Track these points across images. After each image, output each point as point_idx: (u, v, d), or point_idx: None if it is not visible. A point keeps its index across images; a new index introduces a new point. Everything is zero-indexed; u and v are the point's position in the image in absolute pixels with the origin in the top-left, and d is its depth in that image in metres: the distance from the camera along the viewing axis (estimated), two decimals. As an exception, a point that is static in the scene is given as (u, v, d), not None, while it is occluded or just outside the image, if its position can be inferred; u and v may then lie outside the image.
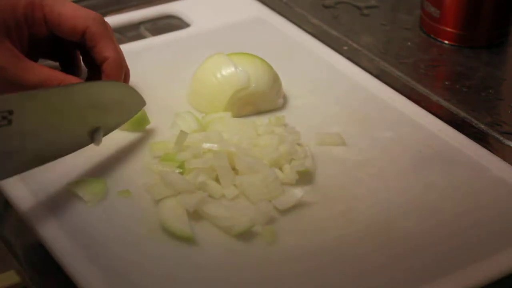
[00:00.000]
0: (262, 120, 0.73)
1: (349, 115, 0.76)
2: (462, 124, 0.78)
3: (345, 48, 0.89)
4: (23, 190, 0.66)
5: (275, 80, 0.76)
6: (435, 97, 0.82)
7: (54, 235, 0.62)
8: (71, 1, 0.72)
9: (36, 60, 0.73)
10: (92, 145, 0.68)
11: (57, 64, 0.77)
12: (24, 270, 0.64)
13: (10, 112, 0.60)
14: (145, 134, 0.73)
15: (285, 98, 0.77)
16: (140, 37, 0.90)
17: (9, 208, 0.67)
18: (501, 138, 0.76)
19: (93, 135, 0.67)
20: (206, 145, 0.68)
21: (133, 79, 0.77)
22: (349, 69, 0.82)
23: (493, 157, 0.71)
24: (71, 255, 0.60)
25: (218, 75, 0.74)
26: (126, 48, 0.77)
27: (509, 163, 0.70)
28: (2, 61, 0.66)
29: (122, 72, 0.72)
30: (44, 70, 0.68)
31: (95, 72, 0.73)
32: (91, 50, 0.71)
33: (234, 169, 0.67)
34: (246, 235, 0.62)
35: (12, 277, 0.69)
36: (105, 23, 0.72)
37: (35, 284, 0.63)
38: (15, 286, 0.69)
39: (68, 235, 0.62)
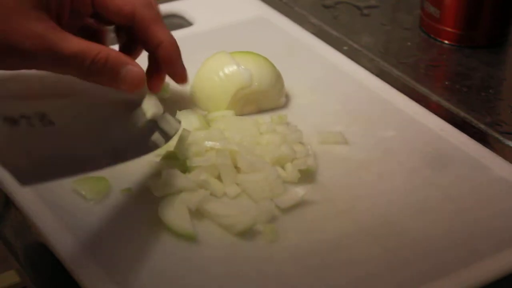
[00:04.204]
0: (265, 119, 0.73)
1: (352, 114, 0.76)
2: (462, 124, 0.78)
3: (345, 48, 0.89)
4: (25, 188, 0.66)
5: (278, 78, 0.76)
6: (435, 97, 0.82)
7: (56, 233, 0.62)
8: None
9: None
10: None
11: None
12: (24, 270, 0.64)
13: (43, 115, 0.60)
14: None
15: (287, 97, 0.77)
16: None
17: (9, 208, 0.67)
18: (501, 138, 0.77)
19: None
20: (209, 143, 0.67)
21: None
22: (352, 68, 0.83)
23: (494, 157, 0.71)
24: (73, 253, 0.60)
25: (221, 74, 0.74)
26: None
27: (509, 162, 0.70)
28: (40, 29, 0.63)
29: (179, 55, 0.69)
30: (82, 40, 0.65)
31: (127, 48, 0.72)
32: (141, 35, 0.68)
33: (236, 167, 0.67)
34: (247, 234, 0.62)
35: (12, 277, 0.69)
36: (154, 6, 0.69)
37: (35, 284, 0.63)
38: (15, 286, 0.69)
39: (70, 233, 0.62)
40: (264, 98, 0.75)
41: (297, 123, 0.73)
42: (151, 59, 0.70)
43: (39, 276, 0.63)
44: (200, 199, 0.64)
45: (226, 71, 0.74)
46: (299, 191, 0.65)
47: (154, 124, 0.66)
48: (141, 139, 0.65)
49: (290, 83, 0.78)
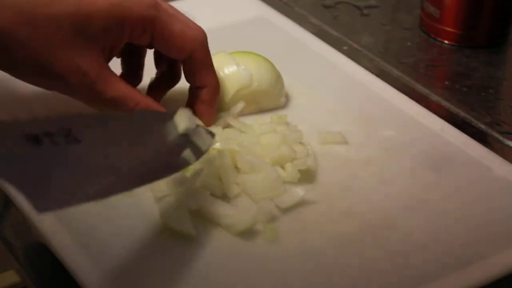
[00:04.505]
0: (265, 119, 0.73)
1: (351, 114, 0.76)
2: (462, 124, 0.78)
3: (345, 48, 0.90)
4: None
5: (278, 78, 0.76)
6: (435, 97, 0.82)
7: (56, 233, 0.61)
8: (182, 14, 0.70)
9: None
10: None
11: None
12: (24, 270, 0.64)
13: (69, 131, 0.57)
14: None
15: (287, 97, 0.77)
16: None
17: (9, 208, 0.67)
18: (501, 138, 0.77)
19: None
20: (209, 143, 0.68)
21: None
22: (352, 68, 0.83)
23: (494, 157, 0.71)
24: (73, 254, 0.60)
25: (221, 74, 0.74)
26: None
27: (509, 162, 0.70)
28: (84, 64, 0.63)
29: (217, 99, 0.71)
30: (124, 86, 0.65)
31: (165, 77, 0.73)
32: (190, 73, 0.70)
33: (236, 167, 0.67)
34: (247, 234, 0.62)
35: (12, 277, 0.68)
36: (207, 46, 0.70)
37: (35, 284, 0.63)
38: (15, 286, 0.69)
39: (70, 233, 0.61)
40: (264, 98, 0.75)
41: (297, 123, 0.73)
42: (191, 91, 0.72)
43: (39, 276, 0.63)
44: (200, 199, 0.63)
45: (226, 71, 0.74)
46: (299, 191, 0.65)
47: (185, 139, 0.63)
48: (170, 157, 0.62)
49: (290, 83, 0.78)
